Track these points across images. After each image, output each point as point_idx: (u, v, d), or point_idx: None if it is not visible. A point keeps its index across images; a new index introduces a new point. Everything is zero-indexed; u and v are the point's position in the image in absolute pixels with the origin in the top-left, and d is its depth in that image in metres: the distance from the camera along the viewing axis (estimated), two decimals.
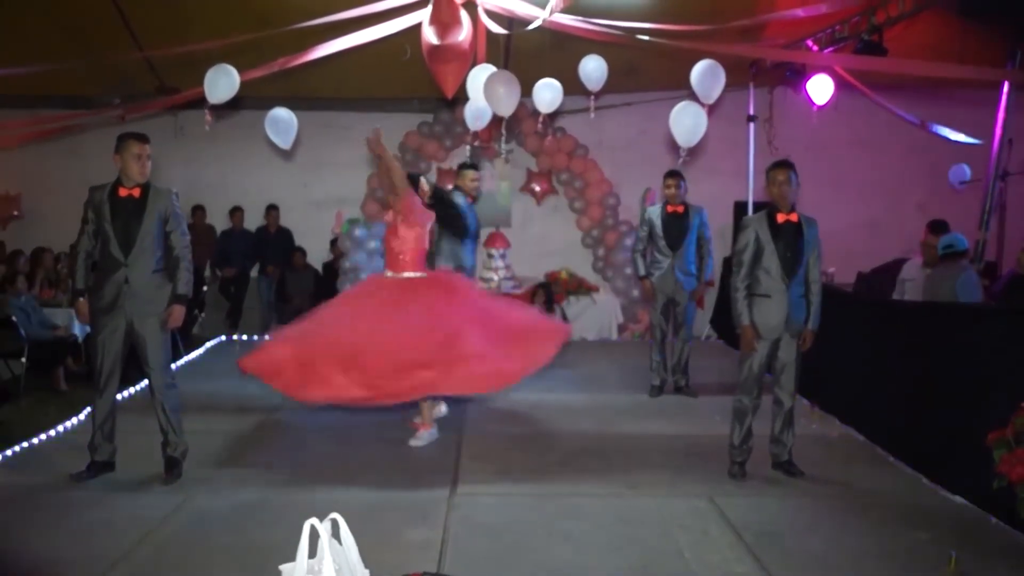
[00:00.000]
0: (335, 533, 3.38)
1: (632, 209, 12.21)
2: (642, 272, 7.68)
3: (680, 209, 7.50)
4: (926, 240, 7.38)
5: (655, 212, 7.59)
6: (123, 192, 5.26)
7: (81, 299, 5.30)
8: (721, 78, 7.02)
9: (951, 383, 5.36)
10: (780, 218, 5.47)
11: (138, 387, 7.67)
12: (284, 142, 7.60)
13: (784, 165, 5.53)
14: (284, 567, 3.32)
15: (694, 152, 7.28)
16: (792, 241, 5.44)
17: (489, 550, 4.40)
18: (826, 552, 4.41)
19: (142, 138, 5.31)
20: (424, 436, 6.14)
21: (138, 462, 5.68)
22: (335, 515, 3.38)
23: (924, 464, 5.53)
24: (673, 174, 7.51)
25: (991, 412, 4.67)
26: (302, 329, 5.74)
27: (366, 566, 3.51)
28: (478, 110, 7.96)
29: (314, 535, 3.23)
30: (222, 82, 6.89)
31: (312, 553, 3.26)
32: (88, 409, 6.82)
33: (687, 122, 6.92)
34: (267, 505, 5.00)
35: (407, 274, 5.95)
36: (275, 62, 7.56)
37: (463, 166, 7.35)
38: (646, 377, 7.82)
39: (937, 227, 7.33)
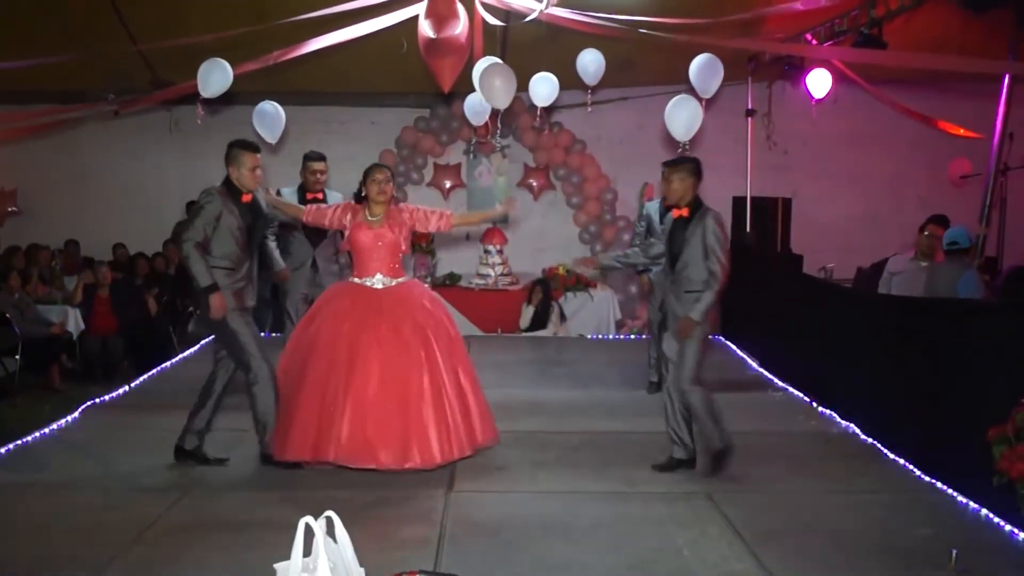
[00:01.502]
0: (330, 531, 3.34)
1: (630, 204, 12.16)
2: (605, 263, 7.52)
3: (686, 213, 7.38)
4: (931, 232, 7.29)
5: (653, 208, 7.48)
6: (246, 199, 5.44)
7: (218, 292, 5.29)
8: (719, 72, 6.99)
9: (951, 379, 5.32)
10: (674, 213, 5.51)
11: (133, 384, 7.63)
12: (271, 136, 7.55)
13: (667, 163, 5.54)
14: (279, 565, 3.29)
15: (692, 146, 7.23)
16: (675, 237, 5.47)
17: (486, 548, 4.36)
18: (826, 550, 4.37)
19: (255, 148, 5.42)
20: None
21: (134, 459, 5.65)
22: (330, 513, 3.34)
23: (924, 461, 5.50)
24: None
25: (991, 408, 4.63)
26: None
27: (362, 564, 3.48)
28: (479, 104, 7.91)
29: (309, 533, 3.20)
30: (215, 76, 6.85)
31: (307, 551, 3.22)
32: (85, 404, 6.82)
33: (683, 116, 6.87)
34: (263, 503, 4.96)
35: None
36: (269, 56, 7.52)
37: (308, 157, 7.19)
38: (644, 374, 7.77)
39: (939, 220, 7.27)
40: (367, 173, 5.65)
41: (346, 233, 5.66)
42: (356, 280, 5.64)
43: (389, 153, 12.21)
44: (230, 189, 5.39)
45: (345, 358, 5.28)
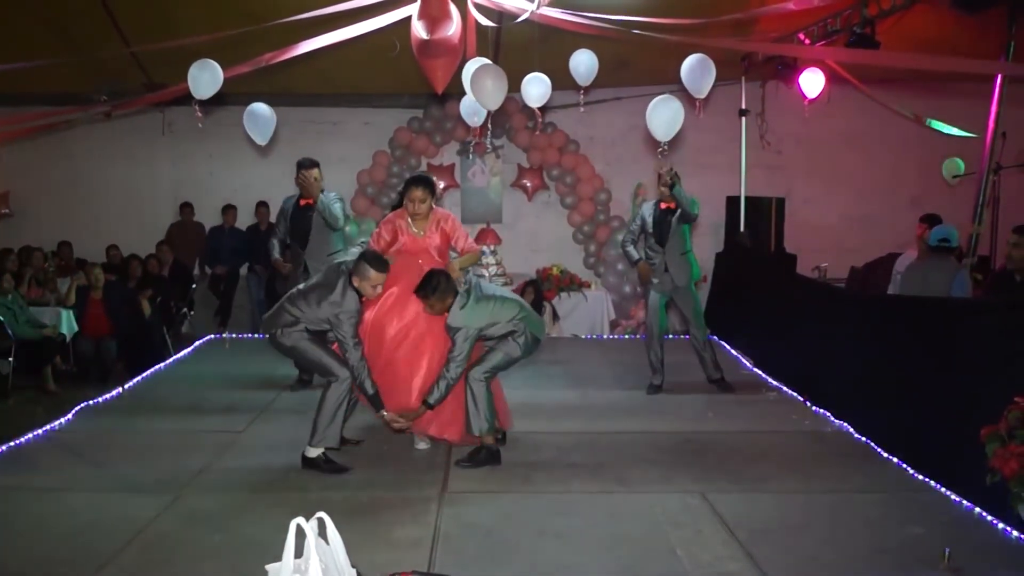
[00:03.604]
0: (322, 532, 3.34)
1: (623, 204, 12.19)
2: (636, 257, 7.58)
3: (673, 205, 7.44)
4: (923, 235, 7.34)
5: (648, 209, 7.54)
6: (364, 301, 5.54)
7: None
8: (711, 72, 6.96)
9: (944, 378, 5.33)
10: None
11: (130, 384, 7.62)
12: (262, 137, 7.53)
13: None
14: (270, 567, 3.28)
15: (686, 146, 7.22)
16: None
17: (480, 548, 4.37)
18: (819, 549, 4.38)
19: (384, 268, 5.42)
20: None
21: (127, 461, 5.65)
22: (321, 514, 3.34)
23: (917, 459, 5.50)
24: (668, 172, 7.46)
25: (984, 407, 4.65)
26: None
27: (356, 565, 3.47)
28: (475, 105, 7.89)
29: (300, 535, 3.19)
30: (205, 77, 6.82)
31: (299, 553, 3.21)
32: (78, 406, 6.82)
33: (664, 116, 6.84)
34: (257, 504, 4.95)
35: None
36: (262, 57, 7.50)
37: (301, 164, 7.27)
38: (637, 374, 7.76)
39: (931, 220, 7.30)
40: (406, 188, 5.93)
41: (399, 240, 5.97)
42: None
43: (383, 154, 12.22)
44: (354, 289, 5.42)
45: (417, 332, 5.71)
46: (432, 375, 5.61)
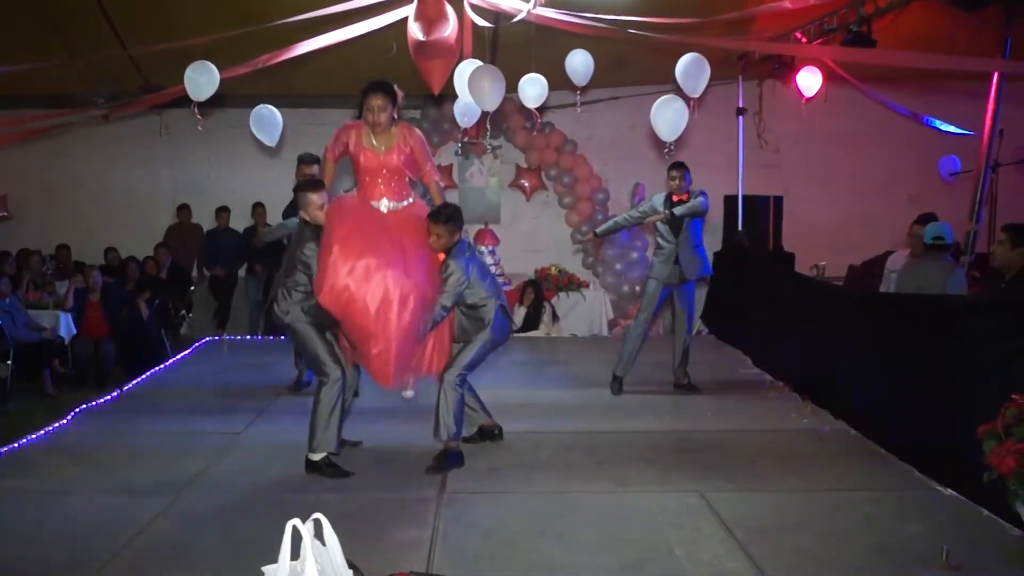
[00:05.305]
0: (318, 534, 3.34)
1: (622, 204, 12.18)
2: (599, 231, 7.91)
3: (684, 197, 7.44)
4: (912, 231, 7.34)
5: (659, 200, 7.51)
6: None
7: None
8: (706, 72, 6.97)
9: (942, 376, 5.33)
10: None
11: (128, 386, 7.62)
12: (270, 139, 7.56)
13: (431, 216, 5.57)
14: (266, 568, 3.28)
15: (683, 146, 7.23)
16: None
17: (479, 549, 4.36)
18: (818, 547, 4.37)
19: (318, 187, 5.44)
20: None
21: (126, 464, 5.64)
22: (318, 515, 3.34)
23: (916, 457, 5.51)
24: (676, 166, 7.45)
25: (982, 404, 4.64)
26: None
27: (355, 566, 3.47)
28: (467, 106, 7.91)
29: (297, 536, 3.19)
30: (202, 79, 6.84)
31: (295, 555, 3.21)
32: (77, 409, 6.81)
33: (668, 116, 6.85)
34: (255, 506, 4.95)
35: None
36: (259, 59, 7.51)
37: (301, 159, 7.29)
38: (636, 373, 7.74)
39: (926, 219, 7.30)
40: (363, 96, 5.44)
41: (351, 152, 5.54)
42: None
43: None
44: (310, 225, 5.40)
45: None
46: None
